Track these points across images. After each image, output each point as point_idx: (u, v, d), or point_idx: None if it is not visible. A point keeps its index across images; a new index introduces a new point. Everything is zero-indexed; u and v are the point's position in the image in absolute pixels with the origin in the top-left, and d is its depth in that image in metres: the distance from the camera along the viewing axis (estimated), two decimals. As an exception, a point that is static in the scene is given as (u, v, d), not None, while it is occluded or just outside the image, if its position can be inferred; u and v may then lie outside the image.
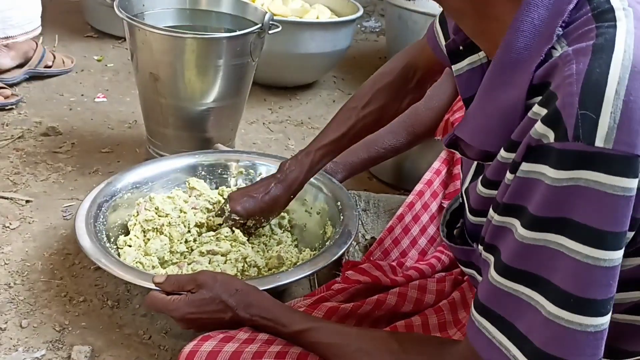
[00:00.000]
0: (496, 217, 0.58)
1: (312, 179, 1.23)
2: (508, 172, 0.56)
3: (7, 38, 1.57)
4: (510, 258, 0.55)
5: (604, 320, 0.51)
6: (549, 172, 0.51)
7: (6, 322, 0.99)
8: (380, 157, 1.30)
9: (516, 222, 0.55)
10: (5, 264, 1.12)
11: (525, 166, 0.53)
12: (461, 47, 0.70)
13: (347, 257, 1.12)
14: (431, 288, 1.00)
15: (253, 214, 1.10)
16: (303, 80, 2.04)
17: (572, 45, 0.52)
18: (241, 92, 1.47)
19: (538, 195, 0.52)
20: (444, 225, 0.77)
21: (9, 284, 1.07)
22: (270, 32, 1.39)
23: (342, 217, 1.13)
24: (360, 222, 1.22)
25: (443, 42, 0.85)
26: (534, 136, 0.52)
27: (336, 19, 1.96)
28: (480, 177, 0.64)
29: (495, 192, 0.59)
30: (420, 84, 1.01)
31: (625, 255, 0.54)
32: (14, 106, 1.66)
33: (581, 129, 0.48)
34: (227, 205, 1.11)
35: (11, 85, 1.74)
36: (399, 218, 1.12)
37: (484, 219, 0.62)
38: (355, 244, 1.19)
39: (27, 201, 1.30)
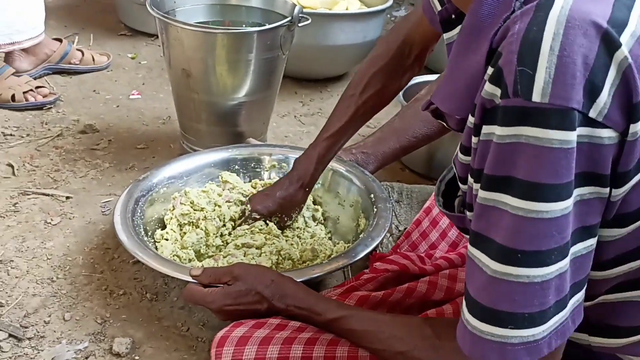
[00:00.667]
0: (475, 185, 0.59)
1: (344, 172, 1.23)
2: (473, 136, 0.57)
3: (12, 44, 1.60)
4: (472, 222, 0.57)
5: (550, 270, 0.52)
6: (496, 131, 0.52)
7: (50, 316, 1.02)
8: (411, 146, 1.29)
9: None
10: (48, 258, 1.15)
11: (484, 129, 0.55)
12: (453, 16, 0.71)
13: (380, 249, 1.12)
14: (462, 277, 0.99)
15: (273, 212, 1.13)
16: (334, 72, 2.03)
17: None
18: (272, 85, 1.47)
19: (490, 155, 0.53)
20: (439, 195, 0.78)
21: (52, 278, 1.10)
22: (300, 24, 1.40)
23: (375, 209, 1.13)
24: (393, 214, 1.21)
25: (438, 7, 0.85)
26: (485, 97, 0.53)
27: (366, 9, 1.94)
28: (460, 149, 0.65)
29: (469, 158, 0.61)
30: (418, 57, 1.01)
31: (606, 225, 0.55)
32: (52, 105, 1.71)
33: (519, 85, 0.50)
34: (248, 205, 1.15)
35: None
36: (426, 211, 1.12)
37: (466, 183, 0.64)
38: (389, 235, 1.19)
39: (67, 197, 1.33)
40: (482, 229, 0.55)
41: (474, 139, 0.57)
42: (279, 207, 1.13)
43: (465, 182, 0.65)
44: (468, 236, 0.72)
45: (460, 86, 0.60)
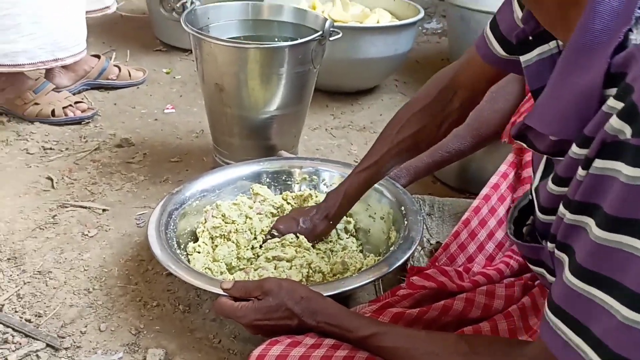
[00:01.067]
0: (568, 215, 0.56)
1: (376, 185, 1.23)
2: (580, 168, 0.54)
3: (56, 60, 1.65)
4: (584, 259, 0.54)
5: None
6: (625, 170, 0.49)
7: (86, 326, 1.04)
8: (444, 161, 1.28)
9: (590, 222, 0.53)
10: (85, 270, 1.18)
11: (599, 163, 0.52)
12: (531, 37, 0.69)
13: (412, 262, 1.12)
14: (500, 293, 0.97)
15: (290, 231, 1.15)
16: (365, 85, 2.04)
17: None
18: (303, 99, 1.49)
19: (613, 194, 0.50)
20: (511, 222, 0.75)
21: (89, 289, 1.13)
22: (331, 38, 1.41)
23: (406, 222, 1.12)
24: (424, 227, 1.20)
25: (498, 48, 0.84)
26: (609, 132, 0.50)
27: (397, 22, 1.94)
28: (551, 175, 0.62)
29: (566, 189, 0.58)
30: (463, 105, 0.97)
31: None
32: (90, 119, 1.75)
33: None
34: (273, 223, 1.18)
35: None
36: (464, 223, 1.10)
37: (554, 215, 0.61)
38: (420, 249, 1.18)
39: (104, 210, 1.36)
40: (606, 270, 0.52)
41: (581, 172, 0.54)
42: (298, 229, 1.15)
43: (549, 212, 0.63)
44: (537, 267, 0.71)
45: (566, 106, 0.57)
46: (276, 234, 1.16)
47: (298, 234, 1.14)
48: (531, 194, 0.71)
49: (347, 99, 1.99)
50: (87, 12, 1.81)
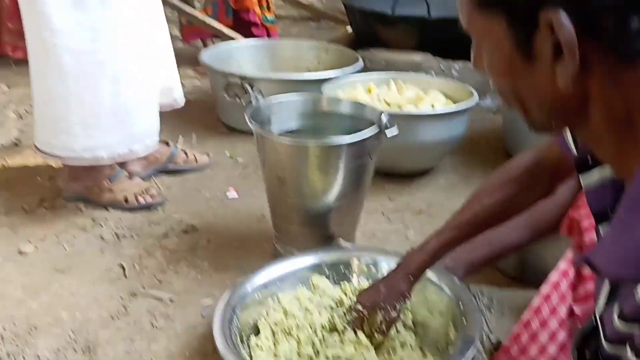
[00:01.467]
0: None
1: (433, 279, 1.24)
2: None
3: (131, 152, 1.76)
4: None
5: None
6: None
7: (154, 421, 1.08)
8: (502, 255, 1.29)
9: None
10: (153, 362, 1.23)
11: None
12: (590, 160, 0.69)
13: (472, 363, 1.11)
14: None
15: (376, 301, 1.14)
16: (420, 167, 2.07)
17: None
18: (361, 188, 1.54)
19: None
20: (576, 347, 0.75)
21: (156, 383, 1.18)
22: (388, 135, 1.46)
23: (465, 322, 1.13)
24: (484, 322, 1.20)
25: (570, 140, 0.84)
26: None
27: (451, 108, 1.99)
28: (617, 311, 0.61)
29: (634, 328, 0.57)
30: (551, 178, 1.00)
31: None
32: (160, 205, 1.85)
33: None
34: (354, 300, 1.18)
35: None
36: (525, 325, 1.09)
37: (623, 347, 0.60)
38: (479, 347, 1.17)
39: (171, 300, 1.43)
40: None
41: None
42: (381, 296, 1.14)
43: (616, 343, 0.63)
44: None
45: (630, 254, 0.55)
46: (359, 307, 1.16)
47: (357, 330, 1.16)
48: (595, 320, 0.70)
49: (404, 181, 2.03)
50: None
